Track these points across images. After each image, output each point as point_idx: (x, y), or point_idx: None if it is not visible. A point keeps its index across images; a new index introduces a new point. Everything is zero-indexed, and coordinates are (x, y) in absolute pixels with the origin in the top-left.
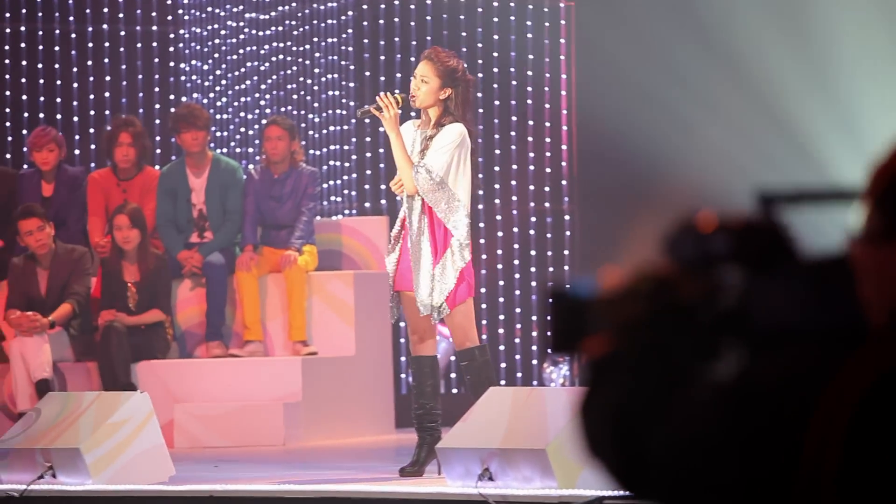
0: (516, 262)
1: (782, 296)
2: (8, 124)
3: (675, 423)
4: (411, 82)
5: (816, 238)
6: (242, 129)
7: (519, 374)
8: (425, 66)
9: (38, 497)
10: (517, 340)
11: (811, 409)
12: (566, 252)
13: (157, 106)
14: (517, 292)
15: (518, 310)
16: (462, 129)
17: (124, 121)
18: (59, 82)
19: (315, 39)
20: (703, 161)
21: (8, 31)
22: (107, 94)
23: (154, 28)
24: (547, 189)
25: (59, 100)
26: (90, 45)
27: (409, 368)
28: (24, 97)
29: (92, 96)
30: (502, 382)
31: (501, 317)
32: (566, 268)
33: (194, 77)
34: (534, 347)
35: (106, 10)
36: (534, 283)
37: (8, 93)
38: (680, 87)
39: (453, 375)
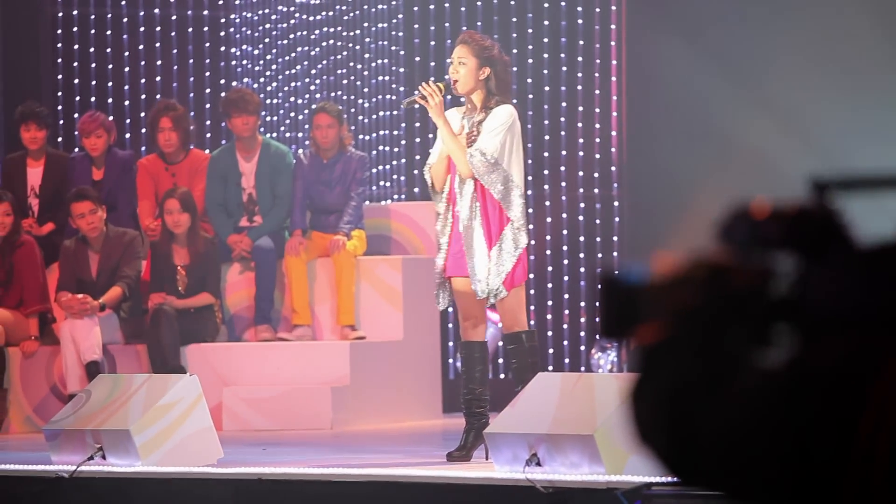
0: (565, 247)
1: (835, 283)
2: (60, 108)
3: (727, 410)
4: (450, 68)
5: (870, 225)
6: (292, 114)
7: (567, 360)
8: (461, 48)
9: (88, 478)
10: (565, 326)
11: (864, 396)
12: (615, 238)
13: (208, 90)
14: (566, 278)
15: (566, 296)
16: (512, 111)
17: (164, 105)
18: (110, 66)
19: (365, 24)
20: (757, 147)
21: (60, 15)
22: (158, 79)
23: (205, 12)
24: (596, 175)
25: (110, 84)
26: (142, 29)
27: (460, 353)
28: (76, 81)
29: (143, 80)
30: (549, 368)
31: (550, 302)
32: (615, 254)
33: (245, 62)
34: (582, 333)
35: None
36: (582, 269)
37: (60, 77)
38: (732, 70)
39: (500, 361)
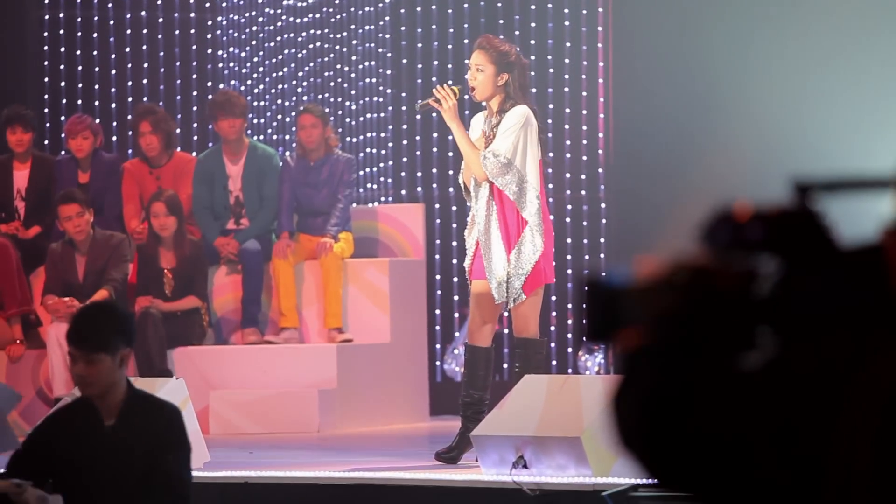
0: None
1: (817, 284)
2: (46, 111)
3: (708, 413)
4: (468, 74)
5: (852, 226)
6: (279, 117)
7: (554, 362)
8: (479, 54)
9: None
10: (552, 328)
11: (843, 397)
12: (602, 240)
13: (195, 93)
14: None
15: (553, 298)
16: (525, 110)
17: (143, 109)
18: (96, 69)
19: (352, 27)
20: (740, 149)
21: (47, 17)
22: (144, 81)
23: (192, 15)
24: (583, 177)
25: (96, 87)
26: (128, 31)
27: (465, 356)
28: (63, 84)
29: (130, 83)
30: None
31: None
32: (601, 256)
33: (232, 64)
34: (569, 335)
35: None
36: (569, 272)
37: (46, 79)
38: (717, 76)
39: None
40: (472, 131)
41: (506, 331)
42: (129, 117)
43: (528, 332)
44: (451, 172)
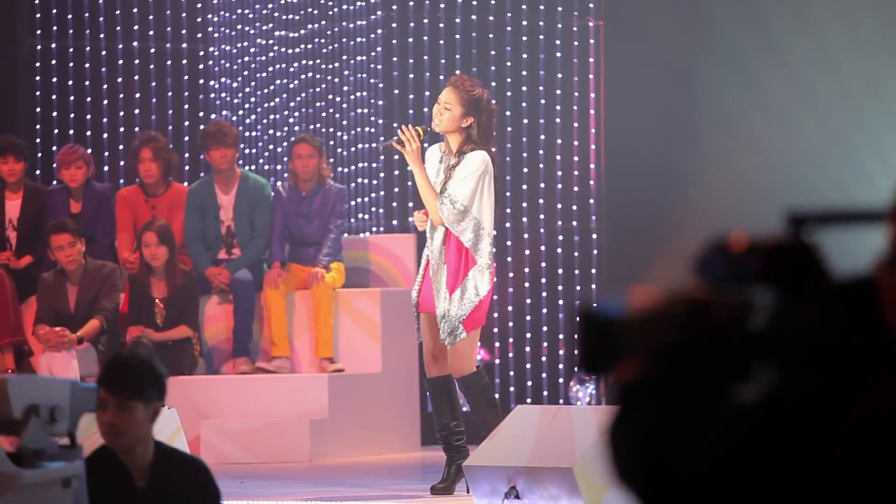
0: (543, 280)
1: (812, 317)
2: (38, 141)
3: (703, 446)
4: (434, 108)
5: (847, 259)
6: (271, 147)
7: (545, 393)
8: (449, 92)
9: None
10: (543, 359)
11: (839, 430)
12: (593, 271)
13: (186, 123)
14: (544, 310)
15: (545, 328)
16: (485, 157)
17: (147, 137)
18: (88, 99)
19: (344, 57)
20: (731, 181)
21: (39, 47)
22: (136, 111)
23: (184, 45)
24: (574, 208)
25: (88, 116)
26: (120, 62)
27: (426, 390)
28: (55, 114)
29: (122, 113)
30: (528, 400)
31: (528, 335)
32: (593, 287)
33: (223, 94)
34: (560, 366)
35: (136, 27)
36: (561, 302)
37: (38, 109)
38: (707, 106)
39: None
40: (428, 164)
41: (497, 361)
42: (127, 146)
43: (467, 371)
44: None
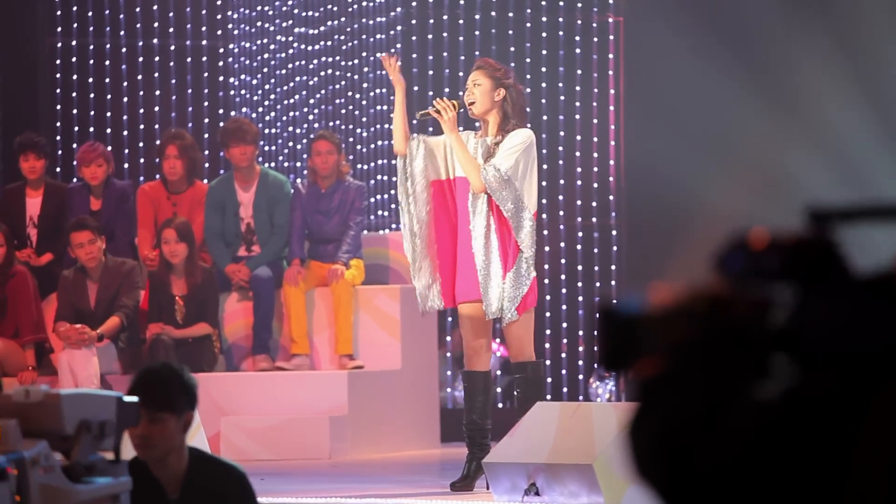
0: (563, 276)
1: (833, 314)
2: (58, 138)
3: (725, 443)
4: (465, 92)
5: (869, 255)
6: (291, 144)
7: (565, 389)
8: (475, 73)
9: None
10: (563, 355)
11: (859, 427)
12: (613, 267)
13: (206, 120)
14: (563, 307)
15: (564, 325)
16: (530, 134)
17: (173, 134)
18: (109, 97)
19: (364, 54)
20: (752, 177)
21: (59, 45)
22: (156, 109)
23: (204, 43)
24: (594, 204)
25: (108, 114)
26: (140, 59)
27: (462, 383)
28: (75, 111)
29: (142, 110)
30: (548, 397)
31: (548, 331)
32: (613, 283)
33: (243, 91)
34: (580, 362)
35: (156, 24)
36: (580, 298)
37: (59, 107)
38: (728, 102)
39: (499, 390)
40: None
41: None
42: (147, 143)
43: (525, 356)
44: None
